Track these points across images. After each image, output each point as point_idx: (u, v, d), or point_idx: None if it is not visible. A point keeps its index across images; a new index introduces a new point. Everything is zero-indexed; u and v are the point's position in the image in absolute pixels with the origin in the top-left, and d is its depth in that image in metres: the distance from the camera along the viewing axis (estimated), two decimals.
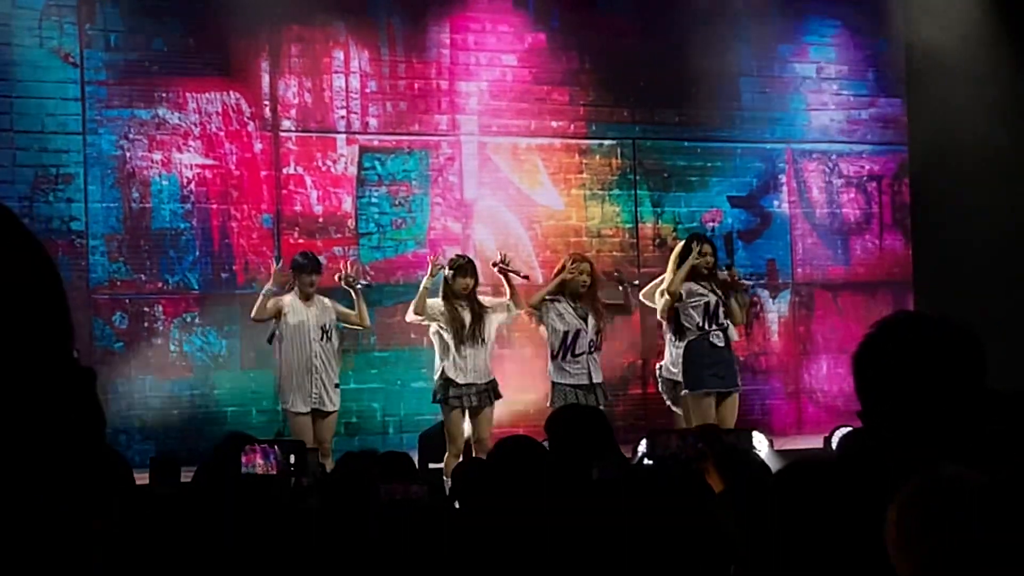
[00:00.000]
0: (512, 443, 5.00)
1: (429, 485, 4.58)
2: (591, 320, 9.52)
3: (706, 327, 9.44)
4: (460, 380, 9.37)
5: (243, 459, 3.92)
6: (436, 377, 9.49)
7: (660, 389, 9.85)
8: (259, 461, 3.94)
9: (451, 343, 9.41)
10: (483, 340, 9.48)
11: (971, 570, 1.88)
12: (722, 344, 9.47)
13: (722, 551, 4.04)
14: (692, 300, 9.48)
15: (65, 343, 0.86)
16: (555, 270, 9.89)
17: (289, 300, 9.57)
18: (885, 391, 2.43)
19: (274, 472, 3.95)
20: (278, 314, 9.53)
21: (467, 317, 9.47)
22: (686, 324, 9.47)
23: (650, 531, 4.21)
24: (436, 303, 9.48)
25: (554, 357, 9.51)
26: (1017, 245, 12.35)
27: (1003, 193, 12.43)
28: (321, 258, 10.13)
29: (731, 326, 9.59)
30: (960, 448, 2.36)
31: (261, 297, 9.57)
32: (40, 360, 0.84)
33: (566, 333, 9.48)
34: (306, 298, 9.56)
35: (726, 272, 9.71)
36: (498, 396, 9.53)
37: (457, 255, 9.91)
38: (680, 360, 9.50)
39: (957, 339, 2.45)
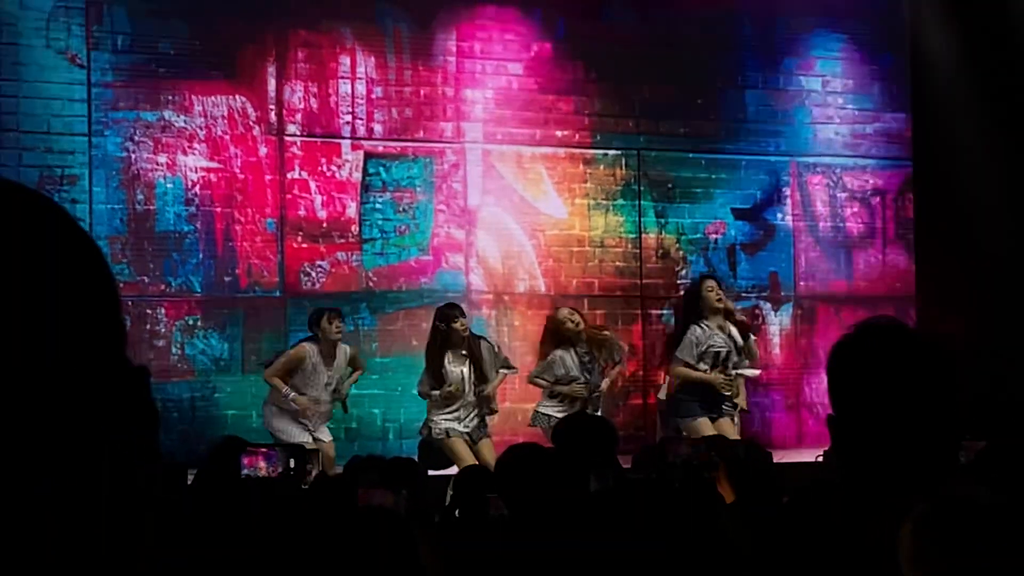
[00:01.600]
0: (518, 451, 5.00)
1: (409, 491, 4.55)
2: (595, 373, 9.65)
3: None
4: (451, 428, 9.44)
5: (245, 461, 3.92)
6: (425, 423, 9.53)
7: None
8: (261, 464, 3.93)
9: (446, 399, 9.45)
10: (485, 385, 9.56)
11: None
12: (728, 393, 9.60)
13: (731, 563, 4.03)
14: (706, 350, 9.59)
15: (119, 342, 0.86)
16: (544, 339, 9.93)
17: (310, 353, 9.55)
18: (855, 396, 2.41)
19: (275, 475, 3.94)
20: (296, 368, 9.51)
21: (464, 373, 9.49)
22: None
23: (653, 542, 4.19)
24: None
25: (551, 395, 9.65)
26: (1021, 261, 12.34)
27: (1007, 209, 12.43)
28: (325, 263, 10.14)
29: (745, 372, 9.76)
30: (931, 466, 2.35)
31: (280, 394, 9.54)
32: (99, 358, 0.84)
33: (566, 376, 9.65)
34: (329, 354, 9.56)
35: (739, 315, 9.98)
36: (488, 435, 9.63)
37: (444, 304, 9.87)
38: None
39: (932, 354, 2.43)
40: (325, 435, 9.69)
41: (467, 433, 9.54)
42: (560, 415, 9.41)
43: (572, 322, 9.77)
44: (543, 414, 9.63)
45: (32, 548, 0.79)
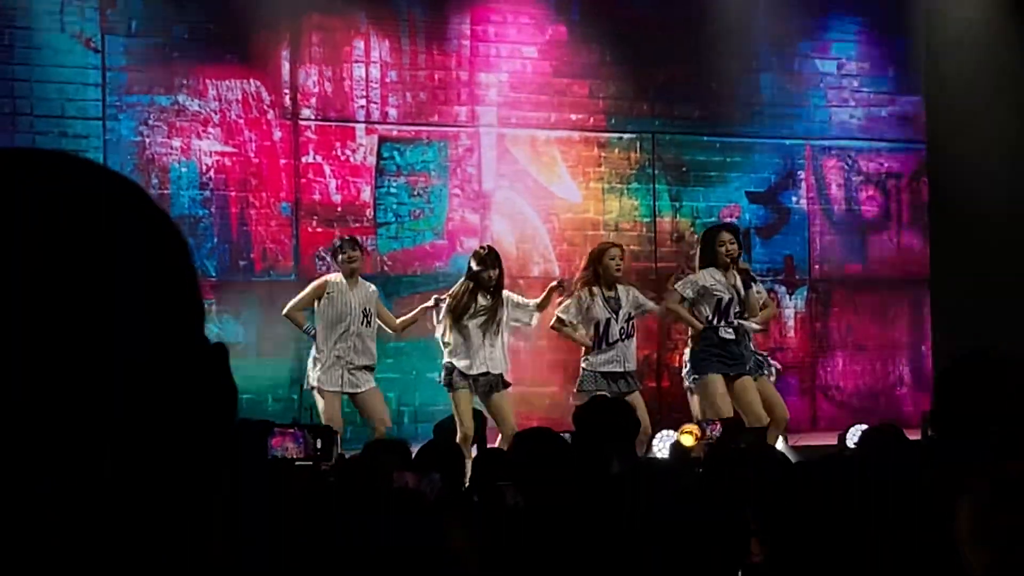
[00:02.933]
0: (533, 435, 5.01)
1: (443, 475, 4.56)
2: (622, 309, 9.61)
3: (714, 322, 9.52)
4: (468, 371, 9.38)
5: (272, 442, 3.92)
6: (444, 363, 9.50)
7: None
8: (289, 444, 3.93)
9: (462, 334, 9.42)
10: (497, 331, 9.49)
11: None
12: (731, 337, 9.53)
13: (733, 548, 4.02)
14: (707, 295, 9.56)
15: (200, 321, 0.86)
16: (585, 265, 9.82)
17: (334, 280, 9.53)
18: (962, 414, 2.43)
19: (303, 456, 3.94)
20: (320, 295, 9.50)
21: (484, 307, 9.45)
22: (696, 316, 9.58)
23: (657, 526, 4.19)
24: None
25: (588, 348, 9.63)
26: None
27: (1022, 192, 12.39)
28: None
29: (745, 323, 9.65)
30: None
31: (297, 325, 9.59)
32: (181, 337, 0.84)
33: (597, 323, 9.56)
34: (350, 275, 9.51)
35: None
36: (506, 385, 9.53)
37: (481, 247, 9.86)
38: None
39: None
40: (367, 382, 9.56)
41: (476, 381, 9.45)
42: (604, 370, 9.40)
43: (614, 261, 9.70)
44: (588, 372, 9.55)
45: (33, 547, 0.78)
